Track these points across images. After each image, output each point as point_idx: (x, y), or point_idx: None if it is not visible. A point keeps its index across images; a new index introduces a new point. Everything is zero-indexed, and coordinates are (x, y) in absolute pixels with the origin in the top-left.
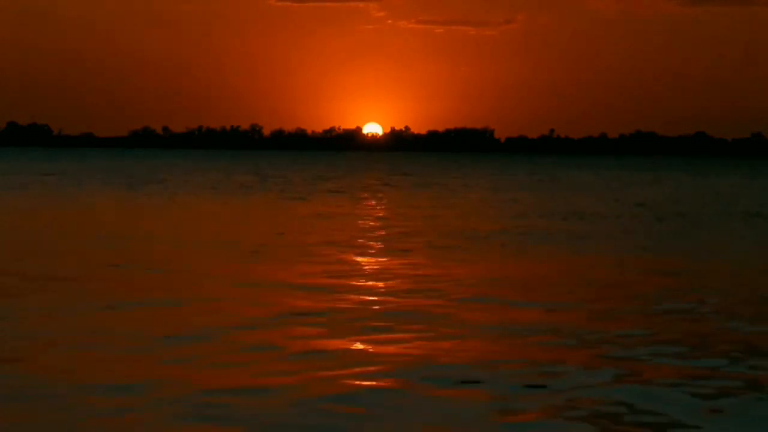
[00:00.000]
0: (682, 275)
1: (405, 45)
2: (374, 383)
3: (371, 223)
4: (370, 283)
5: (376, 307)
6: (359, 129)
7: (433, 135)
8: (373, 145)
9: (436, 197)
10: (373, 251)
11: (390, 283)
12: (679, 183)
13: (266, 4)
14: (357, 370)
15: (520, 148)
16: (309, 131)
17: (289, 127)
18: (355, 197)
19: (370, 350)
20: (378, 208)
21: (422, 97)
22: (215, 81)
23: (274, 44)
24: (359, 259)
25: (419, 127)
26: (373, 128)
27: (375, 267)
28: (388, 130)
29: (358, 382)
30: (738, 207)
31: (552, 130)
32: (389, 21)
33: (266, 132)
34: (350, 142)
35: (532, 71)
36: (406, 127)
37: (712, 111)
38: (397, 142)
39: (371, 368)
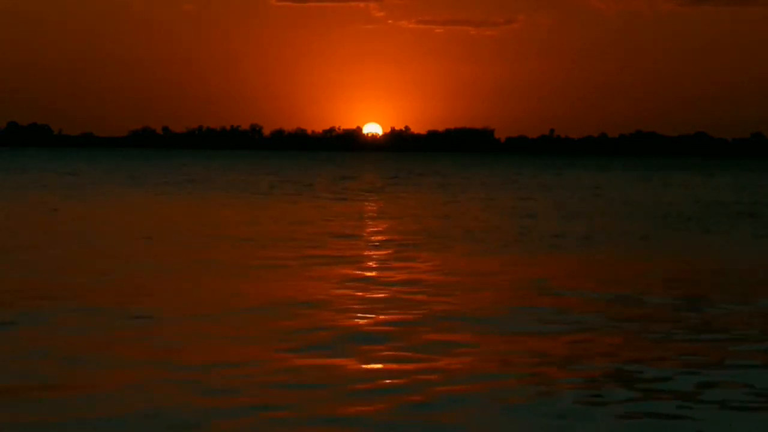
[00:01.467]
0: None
1: (405, 45)
2: None
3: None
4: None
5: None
6: (359, 129)
7: (433, 135)
8: (373, 145)
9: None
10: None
11: None
12: (678, 183)
13: (266, 4)
14: None
15: (520, 148)
16: (309, 131)
17: (289, 127)
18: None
19: None
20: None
21: (422, 97)
22: (215, 81)
23: (274, 44)
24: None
25: (419, 127)
26: (373, 128)
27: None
28: (388, 130)
29: None
30: (731, 207)
31: (552, 130)
32: (389, 21)
33: (266, 132)
34: (350, 142)
35: (532, 71)
36: (406, 127)
37: (712, 111)
38: (397, 142)
39: None
